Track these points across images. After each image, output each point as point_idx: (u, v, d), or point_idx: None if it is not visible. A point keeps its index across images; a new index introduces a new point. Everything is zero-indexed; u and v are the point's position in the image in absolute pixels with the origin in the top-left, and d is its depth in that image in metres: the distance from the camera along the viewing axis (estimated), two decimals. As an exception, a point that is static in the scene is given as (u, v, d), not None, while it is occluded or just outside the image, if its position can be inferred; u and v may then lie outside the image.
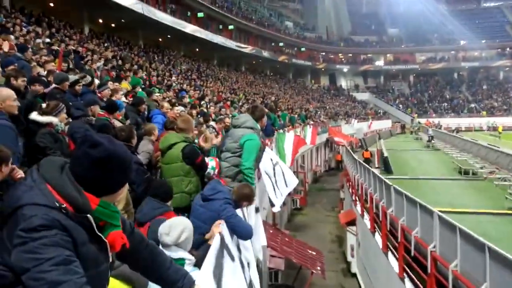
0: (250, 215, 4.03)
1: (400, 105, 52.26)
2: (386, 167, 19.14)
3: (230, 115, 11.08)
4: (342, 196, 16.32)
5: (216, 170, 4.12)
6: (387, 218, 7.97)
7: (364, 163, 12.37)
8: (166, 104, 7.27)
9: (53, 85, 5.49)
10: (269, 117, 7.58)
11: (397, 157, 22.31)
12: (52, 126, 3.83)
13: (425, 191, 13.52)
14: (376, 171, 12.69)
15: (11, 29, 12.41)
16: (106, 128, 4.28)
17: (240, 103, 19.14)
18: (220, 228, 2.86)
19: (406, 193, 7.27)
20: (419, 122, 43.93)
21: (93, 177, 1.25)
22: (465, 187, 14.85)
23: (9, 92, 3.45)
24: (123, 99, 7.87)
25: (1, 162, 2.48)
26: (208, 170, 4.06)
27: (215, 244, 2.52)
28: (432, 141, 29.78)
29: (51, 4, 20.18)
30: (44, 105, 4.05)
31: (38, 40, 11.21)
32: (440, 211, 7.41)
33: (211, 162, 4.12)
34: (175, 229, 2.46)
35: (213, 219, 3.00)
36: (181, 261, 2.32)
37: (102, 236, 1.27)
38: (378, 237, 8.61)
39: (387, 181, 8.75)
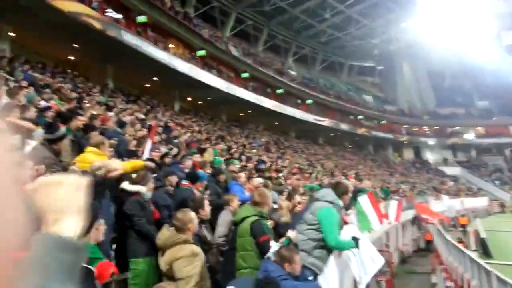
0: None
1: (497, 181, 47.48)
2: (485, 250, 17.02)
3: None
4: (434, 280, 14.61)
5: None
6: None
7: (458, 245, 11.12)
8: (242, 175, 7.40)
9: (146, 157, 5.96)
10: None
11: (497, 239, 19.81)
12: (140, 195, 4.07)
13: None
14: (473, 254, 11.30)
15: (113, 108, 14.08)
16: (185, 200, 4.43)
17: (319, 175, 18.92)
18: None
19: (509, 280, 6.29)
20: (520, 200, 39.26)
21: None
22: None
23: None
24: (208, 170, 8.22)
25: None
26: (269, 254, 3.80)
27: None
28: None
29: (147, 85, 22.66)
30: (134, 176, 4.35)
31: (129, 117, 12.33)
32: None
33: (274, 246, 3.91)
34: None
35: None
36: None
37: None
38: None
39: (486, 266, 7.70)
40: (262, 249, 3.91)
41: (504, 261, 14.72)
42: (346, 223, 5.23)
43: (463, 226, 27.43)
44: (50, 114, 6.62)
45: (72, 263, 0.71)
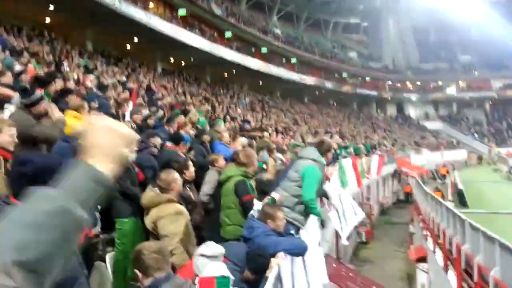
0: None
1: (476, 134, 48.73)
2: (461, 200, 17.83)
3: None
4: (411, 230, 15.38)
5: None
6: (461, 255, 7.38)
7: (436, 196, 11.65)
8: (226, 135, 7.49)
9: (126, 119, 6.01)
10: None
11: (473, 190, 20.67)
12: (123, 158, 4.16)
13: (506, 227, 12.29)
14: (450, 205, 11.86)
15: (93, 70, 13.84)
16: (170, 161, 4.55)
17: (303, 133, 19.18)
18: (279, 260, 2.88)
19: (483, 229, 6.71)
20: (498, 152, 40.55)
21: None
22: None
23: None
24: (190, 131, 8.31)
25: None
26: (252, 212, 3.83)
27: (271, 276, 2.56)
28: (513, 172, 27.23)
29: (128, 47, 22.10)
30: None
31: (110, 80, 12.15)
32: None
33: (257, 205, 4.06)
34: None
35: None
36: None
37: None
38: (452, 276, 7.96)
39: (461, 215, 8.16)
40: (246, 208, 4.04)
41: (479, 210, 15.53)
42: (328, 179, 5.44)
43: (443, 176, 28.51)
44: (25, 78, 6.52)
45: (97, 196, 0.82)
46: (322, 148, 4.42)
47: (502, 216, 14.47)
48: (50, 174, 1.46)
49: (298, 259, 3.66)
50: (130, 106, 7.01)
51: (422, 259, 10.61)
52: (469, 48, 55.13)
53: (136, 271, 2.09)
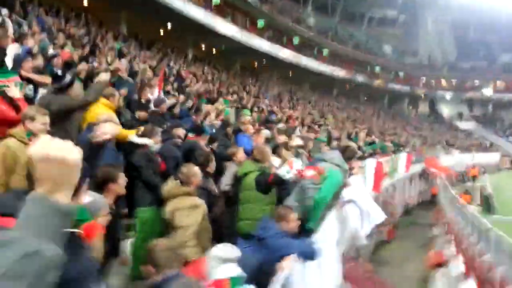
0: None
1: (511, 137, 46.74)
2: (489, 206, 17.26)
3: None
4: (435, 233, 15.04)
5: (295, 170, 4.03)
6: (483, 265, 7.18)
7: (462, 199, 11.33)
8: (250, 127, 7.54)
9: (152, 108, 6.14)
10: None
11: (503, 195, 19.97)
12: (147, 148, 4.29)
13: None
14: (475, 209, 11.50)
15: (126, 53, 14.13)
16: (192, 151, 4.65)
17: (330, 127, 18.96)
18: (289, 263, 2.90)
19: (508, 239, 6.51)
20: (532, 157, 38.87)
21: None
22: None
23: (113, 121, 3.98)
24: (214, 121, 8.40)
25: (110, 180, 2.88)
26: (285, 176, 4.00)
27: (280, 278, 2.59)
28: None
29: (161, 32, 22.38)
30: (141, 128, 4.56)
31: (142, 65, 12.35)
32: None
33: (283, 168, 4.10)
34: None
35: (270, 257, 3.04)
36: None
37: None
38: (471, 284, 7.77)
39: (486, 222, 7.92)
40: (279, 184, 4.18)
41: (508, 217, 15.00)
42: (347, 186, 5.41)
43: (474, 177, 27.63)
44: (57, 62, 6.73)
45: (60, 226, 0.82)
46: (346, 154, 4.41)
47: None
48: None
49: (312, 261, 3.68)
50: (155, 92, 7.10)
51: (442, 264, 10.40)
52: (510, 48, 52.57)
53: (149, 266, 2.17)
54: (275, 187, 4.29)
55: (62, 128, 3.93)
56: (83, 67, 6.60)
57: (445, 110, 52.25)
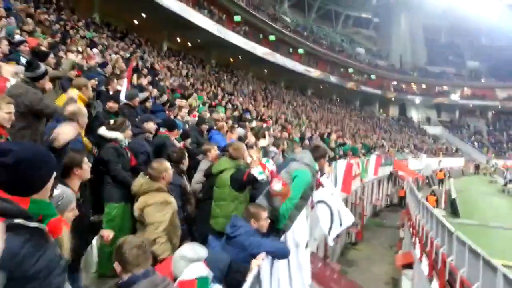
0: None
1: (476, 143, 48.64)
2: (453, 210, 17.87)
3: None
4: (401, 235, 15.44)
5: (268, 172, 3.98)
6: (446, 267, 7.41)
7: (427, 203, 11.64)
8: (224, 125, 7.45)
9: (124, 101, 5.92)
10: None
11: (466, 200, 20.72)
12: (117, 142, 4.13)
13: (494, 241, 12.37)
14: (441, 213, 11.86)
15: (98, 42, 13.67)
16: (163, 147, 4.51)
17: (303, 128, 19.11)
18: (260, 261, 2.87)
19: (469, 243, 6.73)
20: (495, 163, 40.60)
21: (13, 181, 1.36)
22: (543, 242, 13.35)
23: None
24: (186, 116, 8.24)
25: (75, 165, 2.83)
26: (258, 177, 3.94)
27: (250, 277, 2.54)
28: (509, 186, 27.24)
29: (135, 22, 21.84)
30: (111, 121, 4.37)
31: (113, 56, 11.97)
32: (508, 266, 6.75)
33: (256, 169, 4.06)
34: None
35: (240, 255, 3.02)
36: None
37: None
38: (435, 286, 8.00)
39: (450, 226, 8.17)
40: (253, 183, 4.09)
41: (471, 221, 15.60)
42: (319, 185, 5.40)
43: (441, 181, 28.68)
44: (24, 49, 6.40)
45: None
46: (317, 153, 4.40)
47: (491, 229, 14.57)
48: (31, 165, 1.42)
49: (282, 261, 3.65)
50: (124, 84, 6.86)
51: (408, 266, 10.67)
52: (478, 54, 54.53)
53: (116, 264, 2.10)
54: (249, 186, 4.26)
55: (33, 127, 3.76)
56: (51, 60, 6.29)
57: (414, 114, 53.76)
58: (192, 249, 2.62)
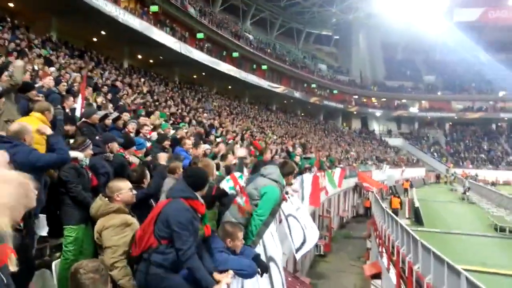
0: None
1: (435, 154, 50.79)
2: (417, 218, 18.38)
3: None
4: (368, 245, 15.67)
5: (238, 187, 3.98)
6: (413, 274, 7.53)
7: (392, 213, 11.89)
8: (188, 141, 7.33)
9: (82, 119, 5.70)
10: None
11: (429, 208, 21.43)
12: (77, 161, 3.96)
13: (457, 247, 12.80)
14: (405, 222, 12.13)
15: (55, 61, 13.24)
16: (123, 166, 4.35)
17: (270, 141, 19.17)
18: (228, 279, 2.82)
19: (433, 250, 6.90)
20: (454, 172, 42.46)
21: None
22: (500, 245, 14.00)
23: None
24: (153, 134, 8.04)
25: None
26: (229, 191, 3.96)
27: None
28: (468, 194, 28.46)
29: (94, 39, 21.37)
30: (71, 141, 4.18)
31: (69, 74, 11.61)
32: (470, 270, 6.95)
33: (226, 184, 4.01)
34: None
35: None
36: None
37: None
38: (403, 294, 8.11)
39: (414, 235, 8.35)
40: (222, 197, 4.10)
41: (434, 229, 16.10)
42: (285, 200, 5.39)
43: (406, 190, 29.73)
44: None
45: None
46: (285, 169, 4.39)
47: (453, 235, 15.08)
48: None
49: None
50: (78, 101, 6.63)
51: (377, 276, 10.78)
52: (434, 69, 57.61)
53: None
54: (217, 201, 4.19)
55: None
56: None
57: (376, 127, 55.57)
58: None
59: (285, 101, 41.95)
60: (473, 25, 54.44)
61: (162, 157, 4.72)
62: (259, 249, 4.15)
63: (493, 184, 37.46)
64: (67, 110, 6.24)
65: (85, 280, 1.98)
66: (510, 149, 50.00)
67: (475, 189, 30.62)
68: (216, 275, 2.95)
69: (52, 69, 11.12)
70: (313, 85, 44.48)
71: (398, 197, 21.94)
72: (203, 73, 28.76)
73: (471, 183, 31.59)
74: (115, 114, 6.66)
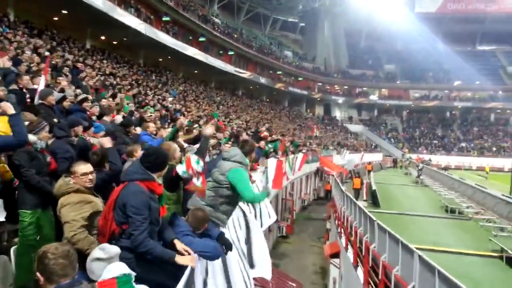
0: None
1: (392, 139, 52.86)
2: (374, 201, 19.16)
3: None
4: (328, 226, 16.26)
5: (190, 170, 3.91)
6: (369, 253, 7.95)
7: (350, 196, 12.38)
8: (151, 125, 7.30)
9: (39, 101, 5.52)
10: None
11: (385, 191, 22.36)
12: (30, 144, 3.79)
13: (410, 227, 13.52)
14: (363, 204, 12.67)
15: (12, 39, 12.62)
16: (86, 149, 4.32)
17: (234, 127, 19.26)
18: (193, 261, 2.88)
19: (389, 229, 7.27)
20: (410, 157, 44.37)
21: None
22: (450, 225, 14.86)
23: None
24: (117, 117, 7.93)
25: None
26: (181, 175, 3.94)
27: (184, 276, 2.55)
28: (421, 177, 29.93)
29: (55, 18, 20.44)
30: (26, 123, 4.02)
31: (28, 53, 11.14)
32: (423, 249, 7.41)
33: (180, 167, 3.97)
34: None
35: None
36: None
37: None
38: (360, 272, 8.56)
39: (371, 216, 8.76)
40: (179, 180, 4.06)
41: (390, 211, 16.87)
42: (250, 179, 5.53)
43: (369, 171, 30.95)
44: None
45: None
46: (245, 148, 4.49)
47: (408, 217, 15.89)
48: None
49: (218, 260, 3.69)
50: (41, 81, 6.40)
51: (336, 255, 11.27)
52: (394, 58, 59.40)
53: (39, 274, 1.93)
54: (179, 182, 4.21)
55: None
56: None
57: (338, 114, 56.92)
58: (102, 249, 2.53)
59: (251, 87, 41.97)
60: (432, 16, 56.41)
61: (106, 141, 4.62)
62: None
63: (445, 168, 39.54)
64: (24, 90, 6.03)
65: (53, 266, 1.90)
66: (462, 135, 52.80)
67: (428, 173, 32.21)
68: (177, 242, 3.00)
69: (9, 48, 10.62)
70: (279, 72, 44.74)
71: (359, 177, 22.82)
72: (169, 57, 28.23)
73: (424, 167, 33.16)
74: (60, 95, 6.42)
